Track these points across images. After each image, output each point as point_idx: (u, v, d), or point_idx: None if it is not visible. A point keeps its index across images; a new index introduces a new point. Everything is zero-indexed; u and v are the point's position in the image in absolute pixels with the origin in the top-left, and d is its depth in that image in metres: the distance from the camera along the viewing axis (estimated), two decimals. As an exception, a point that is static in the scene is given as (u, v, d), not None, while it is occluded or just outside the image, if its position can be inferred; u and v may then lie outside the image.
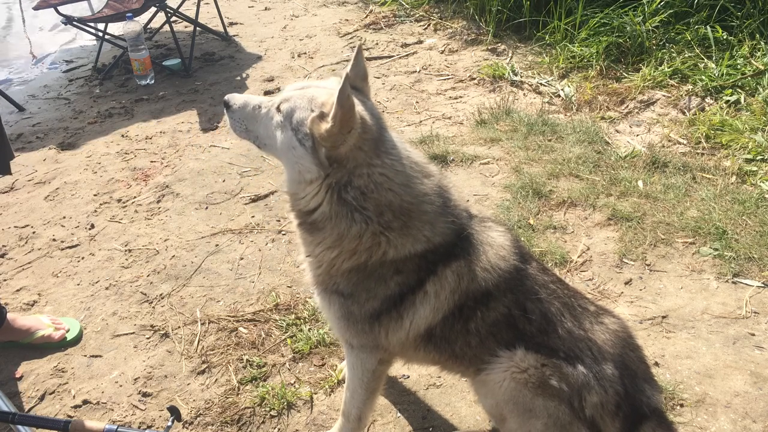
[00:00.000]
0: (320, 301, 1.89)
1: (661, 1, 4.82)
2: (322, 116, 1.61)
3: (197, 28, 5.77)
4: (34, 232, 3.43)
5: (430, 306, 1.75)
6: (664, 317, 2.63)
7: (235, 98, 1.84)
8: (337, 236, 1.68)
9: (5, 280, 3.07)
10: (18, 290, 3.00)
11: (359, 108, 1.64)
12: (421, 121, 4.40)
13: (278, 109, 1.72)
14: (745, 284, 2.77)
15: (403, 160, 1.71)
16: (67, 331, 2.67)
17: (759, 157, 3.56)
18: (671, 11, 4.80)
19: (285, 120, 1.69)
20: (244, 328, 2.69)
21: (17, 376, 2.51)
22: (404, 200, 1.68)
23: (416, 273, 1.73)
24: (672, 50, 4.63)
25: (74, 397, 2.42)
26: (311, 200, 1.69)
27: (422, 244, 1.71)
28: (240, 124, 1.83)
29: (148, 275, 3.05)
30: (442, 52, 5.51)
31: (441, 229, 1.73)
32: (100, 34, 5.56)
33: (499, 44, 5.47)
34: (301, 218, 1.76)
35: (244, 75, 5.35)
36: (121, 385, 2.46)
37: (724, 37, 4.55)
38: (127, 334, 2.71)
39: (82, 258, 3.21)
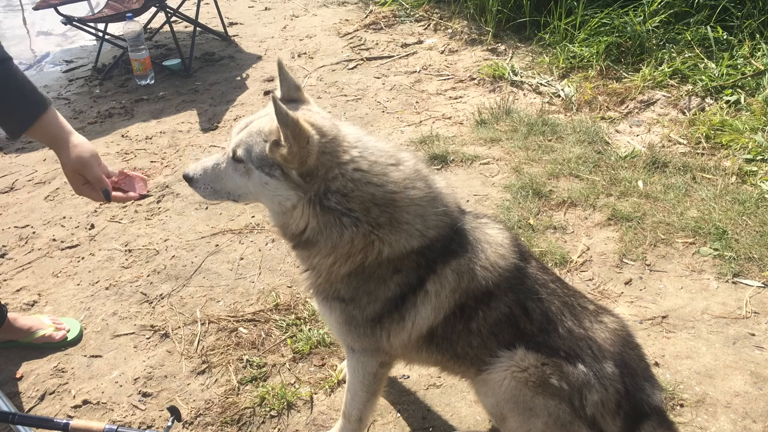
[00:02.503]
0: (321, 308, 1.89)
1: (661, 1, 4.82)
2: (276, 144, 1.60)
3: (197, 28, 5.77)
4: (34, 232, 3.43)
5: (431, 306, 1.75)
6: (664, 317, 2.63)
7: (193, 169, 1.82)
8: (331, 245, 1.68)
9: (5, 280, 3.07)
10: (18, 290, 3.00)
11: (305, 117, 1.63)
12: (421, 121, 4.40)
13: (235, 158, 1.70)
14: (745, 284, 2.77)
15: (371, 149, 1.70)
16: (68, 332, 2.67)
17: (759, 157, 3.56)
18: (671, 11, 4.81)
19: (247, 163, 1.68)
20: (244, 328, 2.69)
21: (17, 376, 2.51)
22: (387, 190, 1.66)
23: (415, 271, 1.72)
24: (672, 50, 4.63)
25: (74, 397, 2.42)
26: (299, 222, 1.69)
27: (417, 239, 1.70)
28: (208, 190, 1.81)
29: (148, 275, 3.05)
30: (442, 52, 5.51)
31: (434, 221, 1.72)
32: (100, 34, 5.56)
33: (499, 44, 5.47)
34: (294, 240, 1.76)
35: (244, 75, 5.35)
36: (121, 385, 2.46)
37: (724, 37, 4.56)
38: (127, 334, 2.71)
39: (82, 258, 3.21)
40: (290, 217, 1.69)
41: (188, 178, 1.82)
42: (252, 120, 1.73)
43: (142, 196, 2.03)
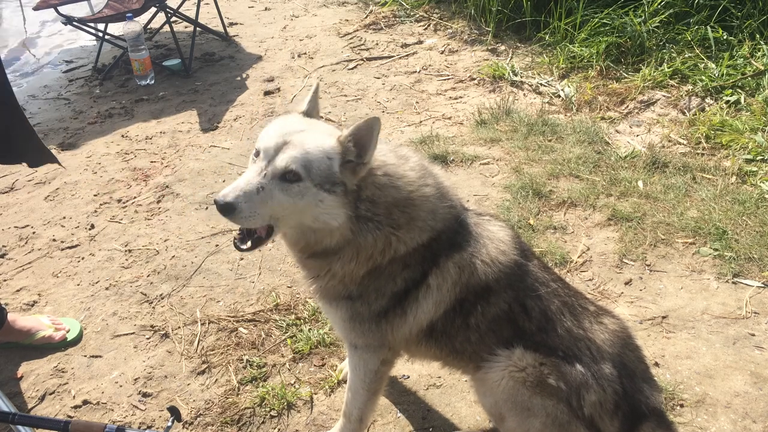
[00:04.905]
0: (326, 307, 1.88)
1: (661, 2, 4.82)
2: (347, 162, 1.59)
3: (197, 29, 5.77)
4: (34, 232, 3.43)
5: (432, 300, 1.76)
6: (664, 317, 2.63)
7: (233, 197, 1.54)
8: (356, 250, 1.68)
9: (5, 280, 3.07)
10: (18, 290, 3.00)
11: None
12: (421, 122, 4.40)
13: (287, 177, 1.56)
14: (745, 284, 2.77)
15: (385, 152, 1.73)
16: (68, 332, 2.67)
17: (759, 158, 3.56)
18: (671, 11, 4.81)
19: (305, 181, 1.56)
20: (244, 328, 2.69)
21: (17, 376, 2.52)
22: (406, 191, 1.69)
23: (421, 265, 1.74)
24: (672, 50, 4.63)
25: (74, 397, 2.42)
26: (335, 239, 1.65)
27: (427, 233, 1.72)
28: (255, 217, 1.58)
29: (148, 275, 3.05)
30: (442, 53, 5.51)
31: (441, 215, 1.75)
32: (100, 34, 5.57)
33: (500, 44, 5.47)
34: (314, 252, 1.72)
35: (244, 75, 5.36)
36: (121, 386, 2.46)
37: (724, 38, 4.56)
38: (127, 334, 2.71)
39: (82, 258, 3.21)
40: (327, 234, 1.65)
41: (231, 208, 1.54)
42: (290, 134, 1.60)
43: None
